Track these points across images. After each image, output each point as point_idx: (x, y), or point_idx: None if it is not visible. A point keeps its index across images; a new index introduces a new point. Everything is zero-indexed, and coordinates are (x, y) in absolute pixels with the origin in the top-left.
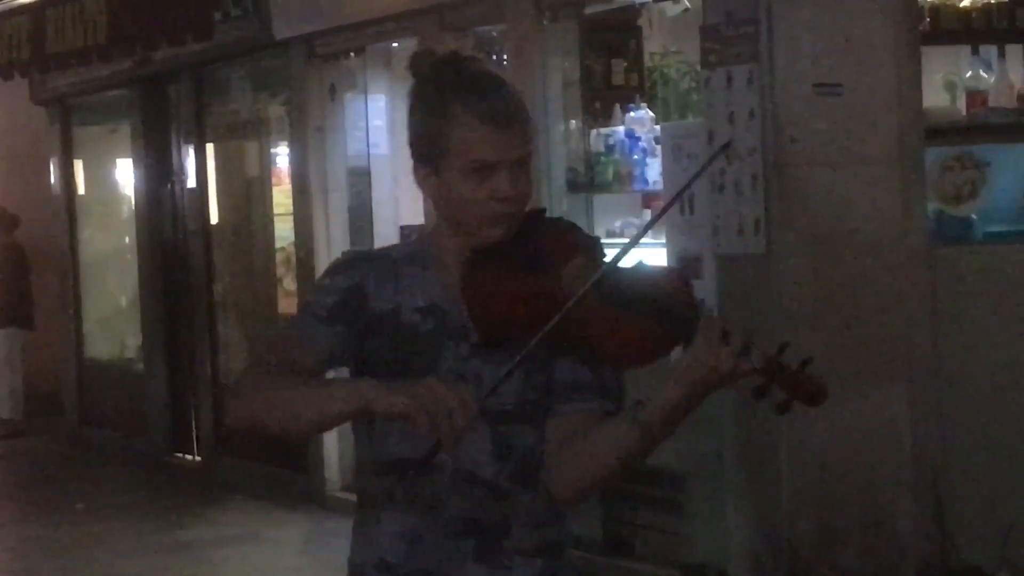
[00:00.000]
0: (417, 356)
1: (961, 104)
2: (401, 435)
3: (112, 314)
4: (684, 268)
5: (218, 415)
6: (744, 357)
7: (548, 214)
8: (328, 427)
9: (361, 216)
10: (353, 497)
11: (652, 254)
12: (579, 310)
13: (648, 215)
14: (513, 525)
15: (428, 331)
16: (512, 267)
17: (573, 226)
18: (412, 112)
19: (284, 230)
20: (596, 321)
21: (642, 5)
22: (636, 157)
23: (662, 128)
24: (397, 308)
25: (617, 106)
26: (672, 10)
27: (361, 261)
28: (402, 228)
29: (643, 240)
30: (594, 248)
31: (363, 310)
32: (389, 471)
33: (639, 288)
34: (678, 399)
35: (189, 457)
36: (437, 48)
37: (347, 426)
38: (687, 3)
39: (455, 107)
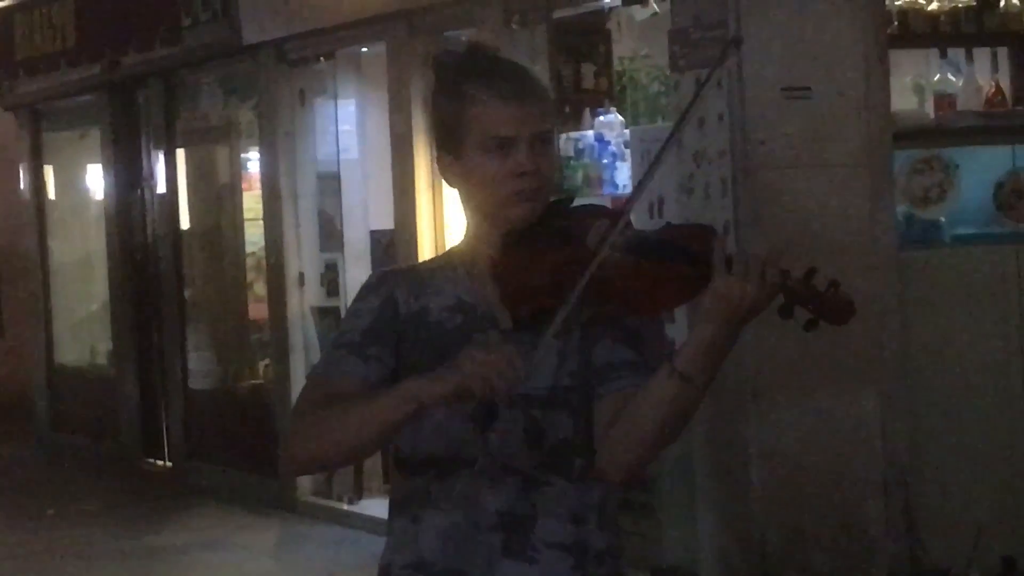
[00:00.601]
0: (446, 352)
1: (929, 107)
2: (434, 431)
3: (82, 319)
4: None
5: (189, 420)
6: (762, 282)
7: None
8: (391, 438)
9: (331, 221)
10: (324, 502)
11: None
12: (606, 268)
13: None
14: (540, 516)
15: (456, 327)
16: (540, 244)
17: (600, 207)
18: (431, 103)
19: (254, 235)
20: (623, 272)
21: (611, 9)
22: (606, 161)
23: (631, 132)
24: (426, 308)
25: (587, 110)
26: (641, 14)
27: (390, 276)
28: (372, 233)
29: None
30: (619, 216)
31: (396, 320)
32: (424, 469)
33: (664, 239)
34: (711, 337)
35: (160, 462)
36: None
37: None
38: (656, 7)
39: (470, 88)
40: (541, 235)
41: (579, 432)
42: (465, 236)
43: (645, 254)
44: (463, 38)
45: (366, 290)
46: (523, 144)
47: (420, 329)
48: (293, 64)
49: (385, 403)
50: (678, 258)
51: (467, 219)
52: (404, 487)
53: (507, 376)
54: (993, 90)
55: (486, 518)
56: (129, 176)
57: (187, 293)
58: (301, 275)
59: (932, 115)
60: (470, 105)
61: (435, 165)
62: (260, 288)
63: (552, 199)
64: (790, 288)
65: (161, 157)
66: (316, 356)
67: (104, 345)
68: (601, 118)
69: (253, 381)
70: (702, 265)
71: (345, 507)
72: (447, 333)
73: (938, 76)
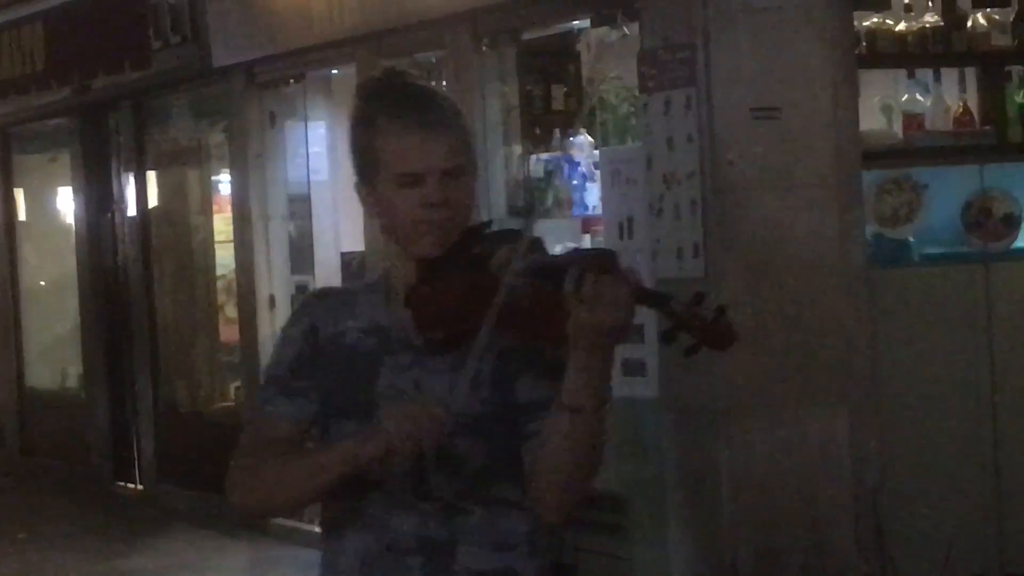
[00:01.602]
0: (357, 374)
1: (898, 127)
2: None
3: (53, 342)
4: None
5: (160, 443)
6: (613, 307)
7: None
8: (328, 491)
9: (302, 243)
10: (297, 524)
11: None
12: (512, 295)
13: (588, 240)
14: (460, 544)
15: (368, 348)
16: (452, 272)
17: (515, 231)
18: (349, 130)
19: (225, 257)
20: (526, 300)
21: (580, 31)
22: (575, 182)
23: (601, 153)
24: (343, 332)
25: (556, 131)
26: (610, 35)
27: (314, 300)
28: (343, 255)
29: None
30: (530, 242)
31: (316, 348)
32: (347, 493)
33: (562, 264)
34: (583, 364)
35: (131, 485)
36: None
37: None
38: (625, 29)
39: (382, 118)
40: (454, 263)
41: (497, 460)
42: (385, 259)
43: (544, 280)
44: (432, 61)
45: (294, 316)
46: (432, 178)
47: (335, 352)
48: (263, 86)
49: (319, 463)
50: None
51: (386, 244)
52: (327, 508)
53: (429, 429)
54: (961, 110)
55: (403, 542)
56: (100, 199)
57: (158, 315)
58: (272, 297)
59: (900, 135)
60: (381, 138)
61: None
62: (231, 310)
63: (469, 226)
64: (676, 314)
65: (131, 180)
66: None
67: (75, 368)
68: (571, 139)
69: (224, 404)
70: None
71: (317, 530)
72: (359, 356)
73: (906, 96)
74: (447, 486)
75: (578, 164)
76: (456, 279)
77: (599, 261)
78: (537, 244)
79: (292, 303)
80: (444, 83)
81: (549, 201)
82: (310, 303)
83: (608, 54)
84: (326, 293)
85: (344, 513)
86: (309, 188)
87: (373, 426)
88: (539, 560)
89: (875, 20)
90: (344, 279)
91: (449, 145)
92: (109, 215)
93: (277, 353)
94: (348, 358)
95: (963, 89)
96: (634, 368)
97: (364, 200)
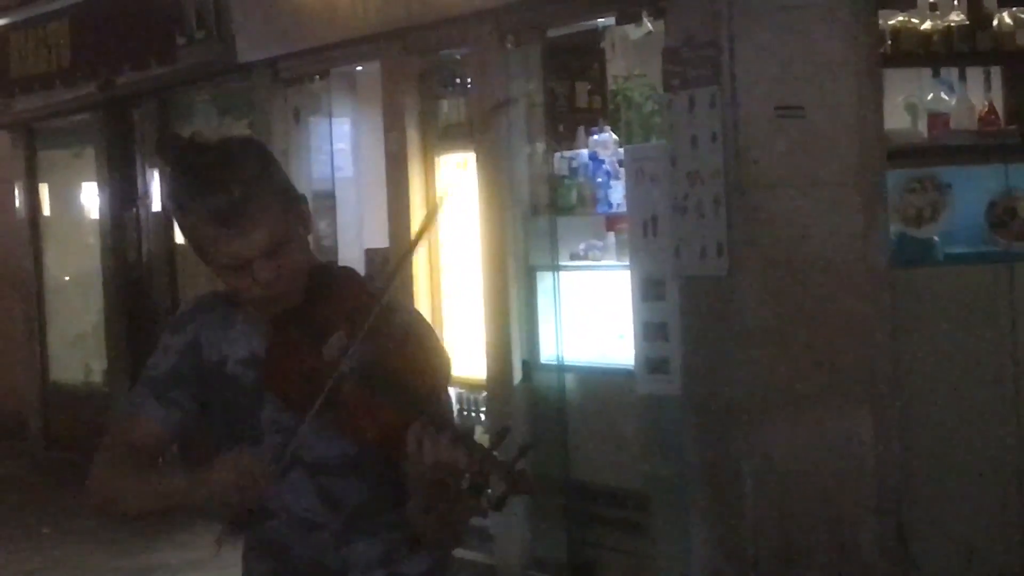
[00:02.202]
0: (242, 406)
1: (922, 126)
2: None
3: (77, 337)
4: (433, 333)
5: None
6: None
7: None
8: (160, 516)
9: (326, 239)
10: None
11: (618, 277)
12: (337, 387)
13: (612, 238)
14: (351, 570)
15: (250, 382)
16: (301, 334)
17: (354, 283)
18: (168, 204)
19: None
20: (343, 398)
21: (605, 28)
22: (599, 180)
23: (625, 151)
24: (224, 360)
25: (581, 129)
26: (635, 33)
27: (199, 312)
28: (367, 251)
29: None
30: (365, 311)
31: (199, 364)
32: (251, 520)
33: (384, 364)
34: (421, 510)
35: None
36: (182, 133)
37: None
38: (650, 26)
39: (188, 204)
40: (303, 322)
41: (379, 495)
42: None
43: (366, 386)
44: (456, 57)
45: (175, 324)
46: (256, 260)
47: (217, 380)
48: (287, 83)
49: (163, 491)
50: (393, 399)
51: None
52: (242, 532)
53: (254, 485)
54: (986, 109)
55: (302, 566)
56: (124, 194)
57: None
58: None
59: (925, 134)
60: (195, 228)
61: (428, 181)
62: None
63: (312, 277)
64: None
65: (155, 175)
66: None
67: (99, 363)
68: (595, 137)
69: None
70: (410, 405)
71: None
72: (241, 389)
73: (931, 95)
74: (332, 520)
75: (602, 162)
76: (300, 346)
77: (426, 381)
78: (369, 305)
79: None
80: (469, 80)
81: (573, 198)
82: (196, 315)
83: (633, 52)
84: (212, 305)
85: (251, 538)
86: (333, 184)
87: (207, 473)
88: (426, 556)
89: (900, 19)
90: (367, 276)
91: (264, 226)
92: (133, 210)
93: (157, 359)
94: (232, 388)
95: (988, 88)
96: (657, 365)
97: (204, 263)
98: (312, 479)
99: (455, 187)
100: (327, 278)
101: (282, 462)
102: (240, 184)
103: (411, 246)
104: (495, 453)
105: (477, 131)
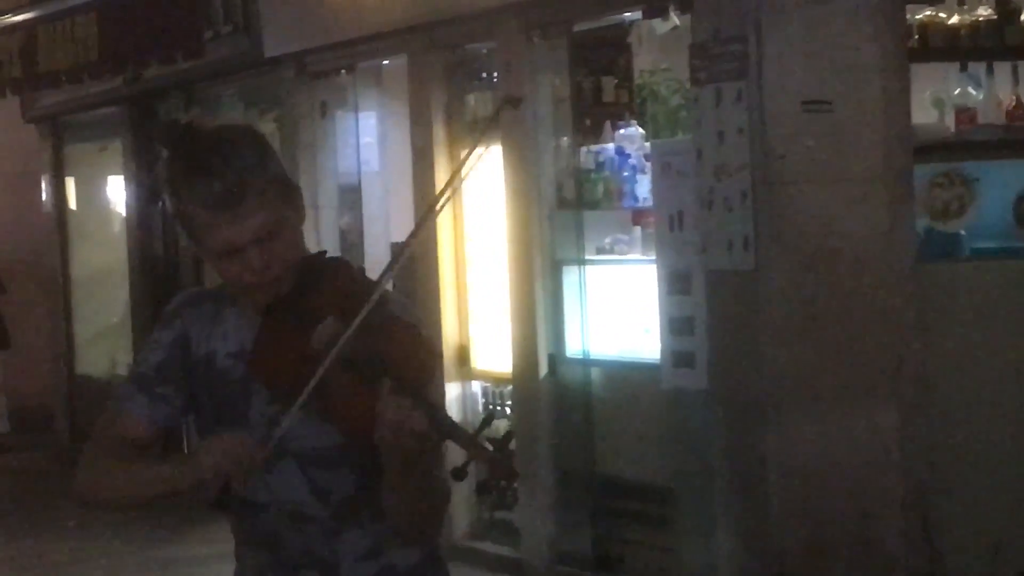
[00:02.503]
0: (231, 400)
1: (949, 121)
2: None
3: (103, 330)
4: (420, 328)
5: None
6: (411, 436)
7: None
8: (156, 504)
9: (352, 233)
10: None
11: (644, 271)
12: (326, 376)
13: (638, 232)
14: (343, 561)
15: (238, 375)
16: (290, 323)
17: (347, 272)
18: (163, 189)
19: None
20: (332, 386)
21: (631, 22)
22: (626, 174)
23: (652, 145)
24: (212, 353)
25: (607, 123)
26: (661, 27)
27: (187, 307)
28: (393, 245)
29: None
30: (356, 300)
31: (187, 359)
32: (241, 511)
33: (375, 349)
34: (391, 479)
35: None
36: (181, 119)
37: None
38: (676, 20)
39: (183, 190)
40: (294, 313)
41: (366, 486)
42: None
43: (355, 372)
44: (483, 52)
45: (165, 319)
46: (248, 247)
47: (207, 374)
48: (314, 77)
49: (150, 478)
50: (374, 381)
51: None
52: (231, 523)
53: (240, 466)
54: (1014, 104)
55: (295, 557)
56: (150, 188)
57: None
58: None
59: (952, 129)
60: (189, 214)
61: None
62: None
63: (303, 268)
64: (465, 445)
65: None
66: None
67: (125, 356)
68: (621, 131)
69: None
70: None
71: None
72: (230, 383)
73: (958, 90)
74: (322, 512)
75: (628, 156)
76: (289, 341)
77: (411, 372)
78: (360, 293)
79: None
80: (495, 75)
81: (599, 193)
82: (183, 310)
83: (659, 46)
84: (200, 300)
85: (242, 529)
86: (360, 178)
87: (193, 455)
88: (416, 551)
89: (927, 13)
90: None
91: (257, 212)
92: (159, 204)
93: (145, 354)
94: (220, 382)
95: (1016, 83)
96: (683, 360)
97: (196, 253)
98: (302, 470)
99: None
100: (318, 268)
101: (268, 446)
102: (235, 170)
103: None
104: (480, 437)
105: (480, 130)
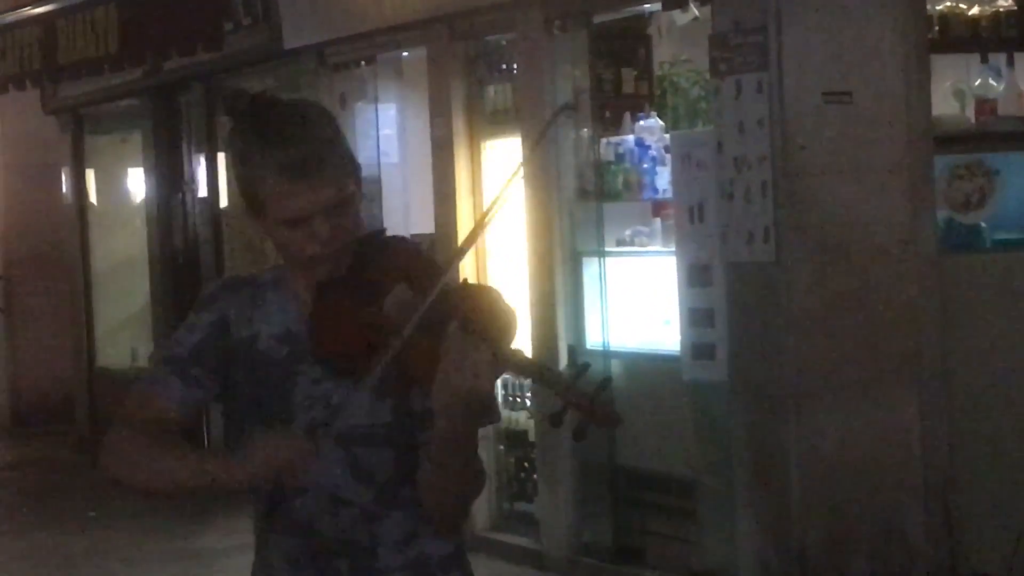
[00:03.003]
0: (273, 383)
1: (970, 112)
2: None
3: (123, 322)
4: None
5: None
6: (472, 372)
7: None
8: (188, 494)
9: (372, 225)
10: None
11: (664, 263)
12: (401, 340)
13: (658, 224)
14: (381, 545)
15: (283, 357)
16: (349, 299)
17: (407, 247)
18: (230, 159)
19: None
20: (413, 351)
21: (651, 14)
22: (646, 166)
23: (672, 137)
24: (255, 335)
25: (627, 115)
26: (681, 19)
27: (226, 292)
28: (413, 236)
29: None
30: (425, 270)
31: (225, 342)
32: (273, 497)
33: (450, 314)
34: (445, 431)
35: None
36: (250, 90)
37: None
38: (696, 12)
39: (256, 157)
40: (351, 288)
41: (405, 466)
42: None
43: (434, 335)
44: (503, 43)
45: (202, 303)
46: (317, 217)
47: (248, 356)
48: (334, 68)
49: (189, 468)
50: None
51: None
52: (256, 510)
53: (294, 464)
54: None
55: (329, 545)
56: (170, 180)
57: None
58: None
59: (973, 120)
60: (260, 180)
61: (474, 167)
62: None
63: (362, 243)
64: (558, 391)
65: (202, 161)
66: None
67: (145, 348)
68: (641, 123)
69: None
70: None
71: None
72: (273, 364)
73: (979, 81)
74: (362, 495)
75: (648, 147)
76: (353, 311)
77: (479, 317)
78: (427, 268)
79: None
80: (515, 66)
81: (619, 184)
82: (222, 294)
83: (679, 37)
84: (238, 286)
85: (272, 515)
86: (379, 170)
87: (245, 451)
88: (447, 542)
89: (948, 4)
90: None
91: (331, 182)
92: (179, 196)
93: (180, 336)
94: (263, 365)
95: None
96: (704, 351)
97: (254, 226)
98: (344, 450)
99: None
100: (378, 245)
101: (326, 435)
102: (311, 141)
103: (481, 220)
104: (576, 384)
105: (530, 145)
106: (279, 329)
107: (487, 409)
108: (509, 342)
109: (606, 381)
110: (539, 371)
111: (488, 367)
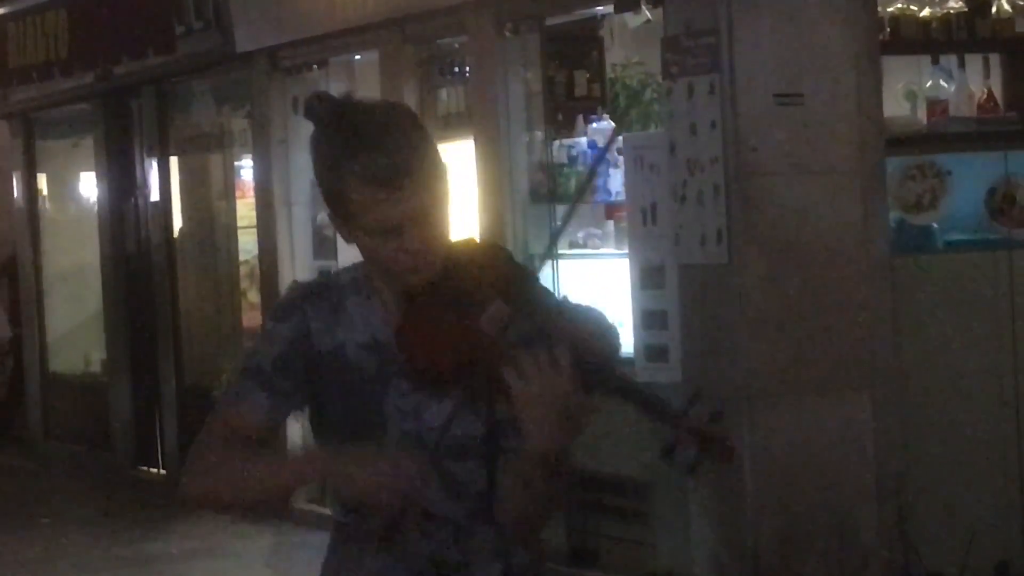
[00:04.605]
0: (364, 393)
1: (921, 113)
2: None
3: (76, 327)
4: (605, 313)
5: (183, 428)
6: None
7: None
8: (286, 498)
9: (324, 229)
10: (318, 509)
11: (617, 265)
12: (497, 354)
13: (611, 226)
14: (473, 562)
15: (373, 368)
16: (440, 311)
17: (500, 256)
18: (315, 164)
19: (248, 243)
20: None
21: (603, 16)
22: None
23: (624, 139)
24: (342, 345)
25: (579, 117)
26: (633, 21)
27: (304, 302)
28: None
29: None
30: (520, 282)
31: (309, 355)
32: (356, 510)
33: (556, 333)
34: (534, 447)
35: (154, 470)
36: (330, 93)
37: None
38: (648, 14)
39: (344, 164)
40: (442, 298)
41: (495, 479)
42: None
43: (527, 349)
44: (455, 46)
45: (281, 311)
46: (408, 225)
47: (337, 369)
48: (286, 72)
49: (289, 471)
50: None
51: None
52: (341, 523)
53: (413, 496)
54: (985, 96)
55: (419, 563)
56: (122, 184)
57: (181, 301)
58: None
59: (924, 121)
60: (347, 188)
61: None
62: (254, 296)
63: (452, 253)
64: (672, 423)
65: (154, 165)
66: None
67: (98, 353)
68: (594, 125)
69: None
70: (588, 372)
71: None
72: (362, 374)
73: (930, 82)
74: (455, 510)
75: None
76: (445, 324)
77: (595, 350)
78: (523, 278)
79: None
80: (467, 69)
81: (572, 186)
82: (302, 303)
83: (631, 40)
84: (318, 292)
85: (360, 532)
86: None
87: (365, 465)
88: (529, 549)
89: (899, 6)
90: None
91: (420, 191)
92: (132, 200)
93: (261, 346)
94: (352, 375)
95: (987, 75)
96: (657, 353)
97: (339, 229)
98: (436, 465)
99: None
100: (468, 253)
101: (439, 448)
102: (402, 148)
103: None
104: (688, 414)
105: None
106: (365, 338)
107: (578, 425)
108: (614, 366)
109: (718, 413)
110: (647, 399)
111: (563, 395)
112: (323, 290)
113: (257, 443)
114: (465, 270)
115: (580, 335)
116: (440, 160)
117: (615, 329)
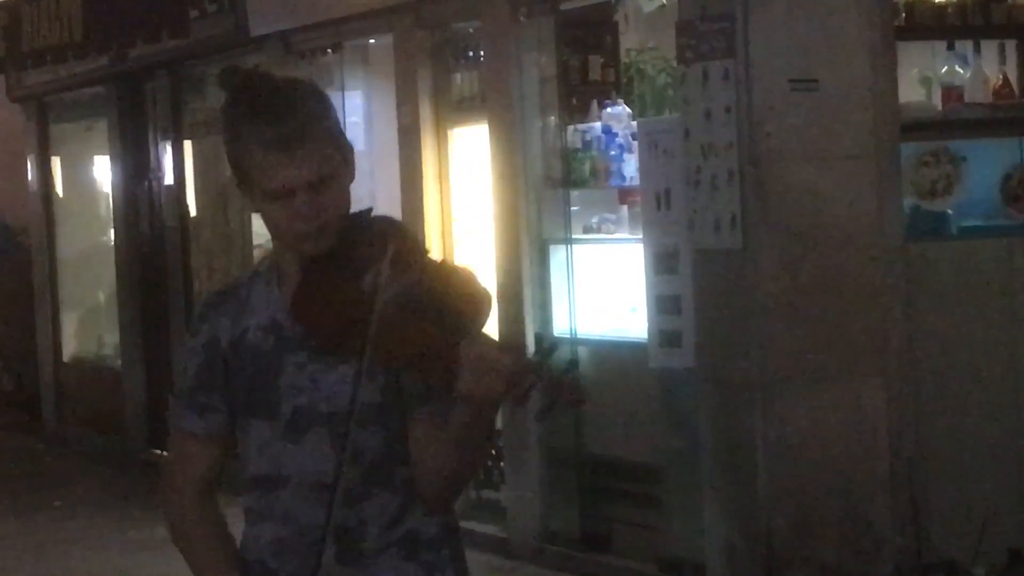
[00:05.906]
0: (262, 372)
1: (936, 99)
2: (258, 454)
3: (89, 311)
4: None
5: None
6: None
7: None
8: None
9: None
10: None
11: (631, 250)
12: (380, 316)
13: (625, 211)
14: (369, 526)
15: (270, 347)
16: (332, 277)
17: (393, 226)
18: (223, 133)
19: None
20: (389, 327)
21: (618, 1)
22: (613, 153)
23: (639, 124)
24: (245, 331)
25: (594, 102)
26: (648, 6)
27: (210, 310)
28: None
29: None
30: (408, 249)
31: (220, 355)
32: (252, 487)
33: (428, 291)
34: (464, 416)
35: (166, 454)
36: (242, 65)
37: None
38: None
39: (245, 133)
40: (337, 264)
41: (395, 445)
42: (273, 249)
43: (410, 311)
44: (469, 31)
45: (194, 326)
46: (301, 192)
47: (240, 356)
48: (299, 56)
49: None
50: (436, 318)
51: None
52: (242, 499)
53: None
54: (1000, 82)
55: (310, 532)
56: (136, 168)
57: (194, 284)
58: None
59: (939, 107)
60: (247, 155)
61: (441, 154)
62: None
63: (347, 222)
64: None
65: (168, 148)
66: None
67: (111, 337)
68: (608, 110)
69: None
70: (454, 325)
71: None
72: (261, 355)
73: (945, 68)
74: (352, 475)
75: (615, 135)
76: (335, 287)
77: (465, 308)
78: (410, 245)
79: None
80: (481, 53)
81: (586, 171)
82: (208, 313)
83: (646, 24)
84: (225, 297)
85: (258, 505)
86: None
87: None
88: (436, 520)
89: None
90: None
91: (314, 157)
92: (145, 184)
93: (183, 365)
94: (252, 357)
95: (1003, 61)
96: (670, 339)
97: (247, 199)
98: (331, 432)
99: None
100: (365, 223)
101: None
102: (298, 115)
103: None
104: (544, 365)
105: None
106: (265, 320)
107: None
108: (481, 325)
109: (572, 363)
110: (531, 362)
111: (509, 372)
112: (231, 291)
113: (217, 468)
114: (361, 240)
115: (456, 293)
116: (341, 135)
117: (486, 291)
